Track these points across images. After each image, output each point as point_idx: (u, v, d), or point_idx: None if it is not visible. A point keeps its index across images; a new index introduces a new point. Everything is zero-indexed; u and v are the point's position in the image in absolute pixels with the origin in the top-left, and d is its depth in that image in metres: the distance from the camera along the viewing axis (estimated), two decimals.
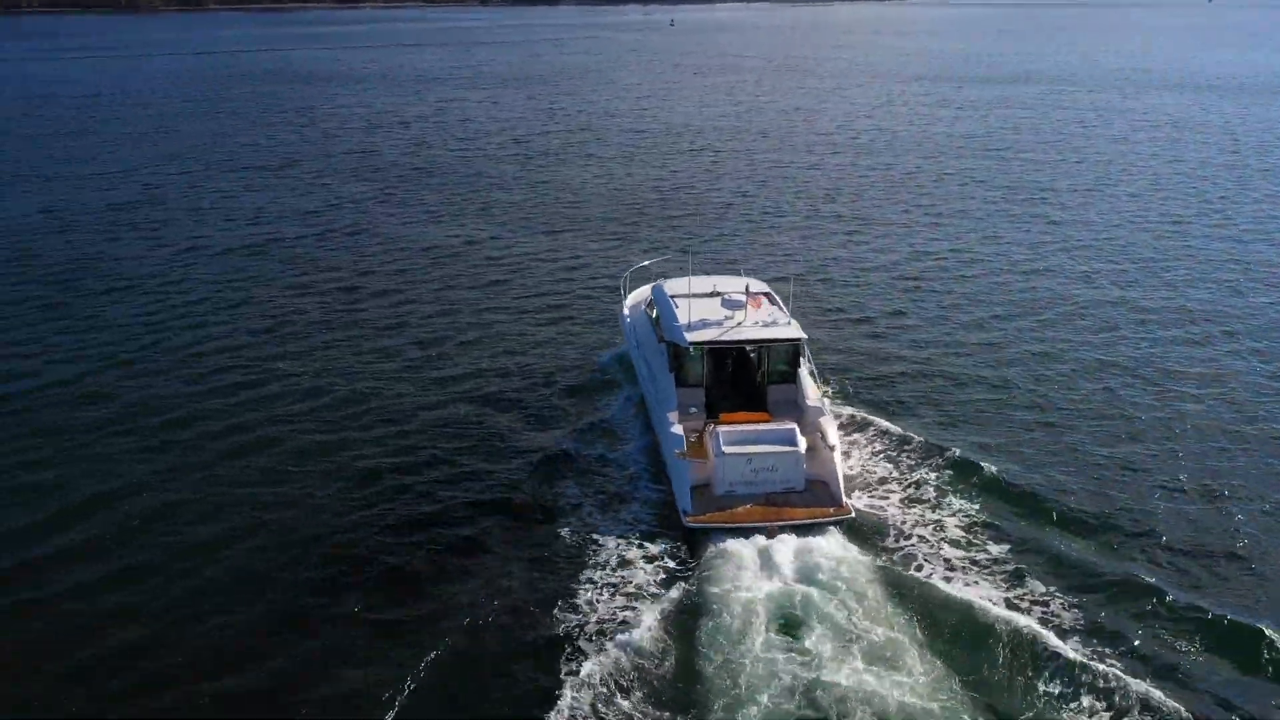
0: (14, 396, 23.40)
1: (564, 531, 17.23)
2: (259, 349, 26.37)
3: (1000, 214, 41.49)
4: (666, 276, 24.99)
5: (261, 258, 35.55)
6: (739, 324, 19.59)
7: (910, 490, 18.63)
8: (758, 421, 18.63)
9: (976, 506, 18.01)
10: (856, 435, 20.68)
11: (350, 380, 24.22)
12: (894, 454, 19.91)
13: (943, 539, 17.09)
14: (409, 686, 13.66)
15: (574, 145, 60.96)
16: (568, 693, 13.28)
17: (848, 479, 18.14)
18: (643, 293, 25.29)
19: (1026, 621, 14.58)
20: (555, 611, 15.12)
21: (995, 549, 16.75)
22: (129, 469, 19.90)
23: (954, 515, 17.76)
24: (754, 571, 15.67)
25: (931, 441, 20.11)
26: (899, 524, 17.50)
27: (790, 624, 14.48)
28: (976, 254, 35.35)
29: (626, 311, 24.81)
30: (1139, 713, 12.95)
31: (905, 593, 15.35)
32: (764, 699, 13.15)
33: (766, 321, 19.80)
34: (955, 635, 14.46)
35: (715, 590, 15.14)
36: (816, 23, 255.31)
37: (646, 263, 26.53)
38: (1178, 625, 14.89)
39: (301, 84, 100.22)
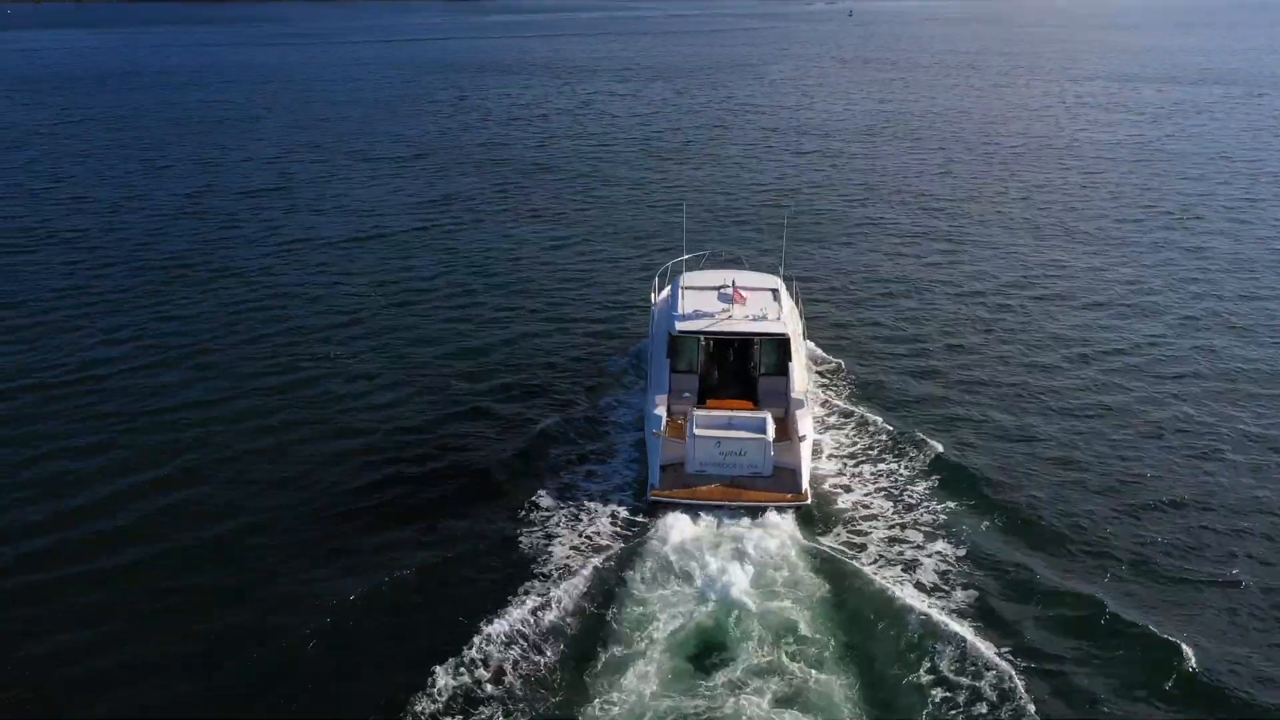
0: (80, 380, 25.32)
1: (543, 494, 18.93)
2: (324, 343, 27.55)
3: (1125, 238, 38.36)
4: (700, 270, 25.37)
5: (360, 250, 37.05)
6: (729, 317, 20.77)
7: (881, 484, 19.43)
8: (739, 409, 19.86)
9: (942, 506, 18.53)
10: (847, 429, 21.65)
11: (397, 366, 25.83)
12: (878, 449, 20.77)
13: (896, 535, 17.74)
14: (344, 614, 15.65)
15: (696, 143, 60.53)
16: (495, 626, 14.82)
17: (817, 469, 19.49)
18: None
19: (940, 618, 15.06)
20: (507, 556, 17.03)
21: (944, 549, 17.25)
22: (154, 457, 21.10)
23: (916, 512, 18.37)
24: (697, 544, 16.90)
25: (918, 439, 20.78)
26: (857, 516, 18.31)
27: (711, 594, 15.54)
28: (1072, 274, 32.88)
29: (656, 303, 25.42)
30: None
31: (838, 581, 16.05)
32: (661, 659, 14.40)
33: (756, 316, 20.87)
34: (870, 626, 15.11)
35: (658, 555, 16.62)
36: (1000, 15, 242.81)
37: (686, 257, 26.78)
38: (1109, 644, 15.00)
39: (462, 73, 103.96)
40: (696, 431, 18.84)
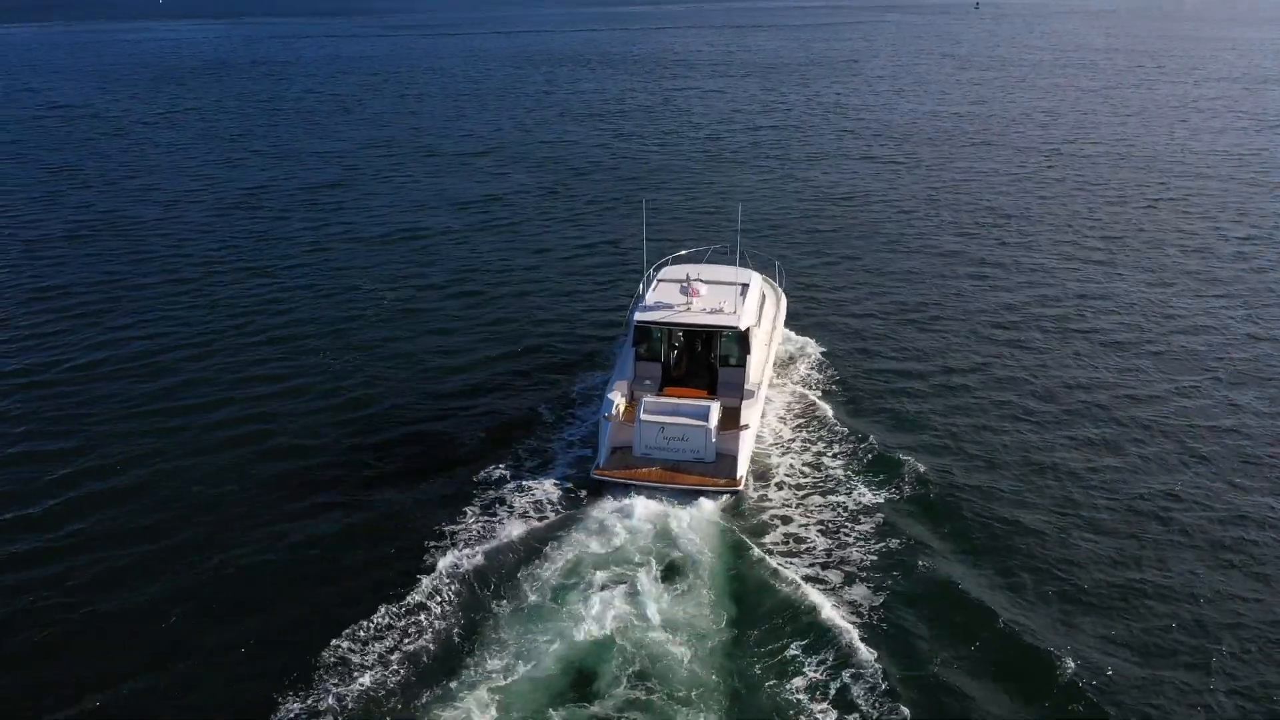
0: (86, 366, 26.82)
1: (499, 466, 20.67)
2: (339, 337, 28.88)
3: (1184, 266, 35.73)
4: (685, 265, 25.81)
5: (398, 247, 37.89)
6: (688, 309, 21.76)
7: (822, 480, 20.24)
8: (692, 397, 20.93)
9: (874, 507, 19.17)
10: (810, 425, 22.50)
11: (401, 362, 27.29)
12: (832, 446, 21.51)
13: (820, 529, 18.57)
14: (270, 563, 18.04)
15: (764, 144, 59.38)
16: (425, 581, 16.85)
17: (767, 460, 20.77)
18: None
19: (830, 615, 15.76)
20: (450, 519, 18.95)
21: (861, 548, 17.92)
22: (152, 444, 22.52)
23: (847, 511, 19.09)
24: (626, 519, 18.32)
25: (871, 441, 21.45)
26: (789, 508, 19.23)
27: (621, 564, 16.97)
28: (1111, 307, 30.80)
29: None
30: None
31: (744, 569, 17.06)
32: (558, 622, 15.74)
33: (713, 309, 21.77)
34: (764, 617, 15.97)
35: (586, 527, 18.27)
36: (1164, 9, 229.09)
37: (683, 253, 27.24)
38: (991, 653, 15.43)
39: (561, 66, 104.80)
40: (643, 417, 20.13)
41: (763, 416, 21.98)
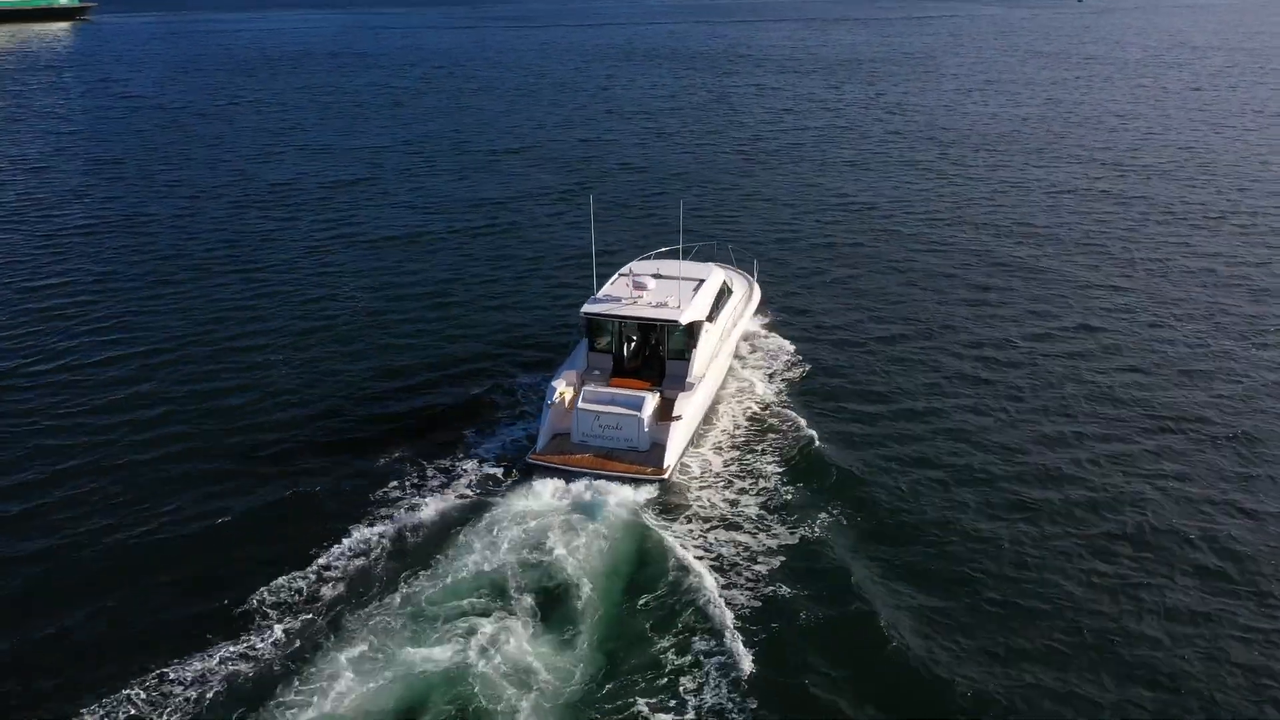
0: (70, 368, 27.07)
1: (442, 447, 21.78)
2: (318, 324, 29.22)
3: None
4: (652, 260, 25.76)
5: (394, 251, 37.51)
6: (635, 302, 22.15)
7: (753, 475, 20.59)
8: (634, 388, 21.46)
9: (797, 504, 19.49)
10: (763, 421, 22.87)
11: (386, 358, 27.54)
12: (773, 443, 21.85)
13: (734, 522, 18.99)
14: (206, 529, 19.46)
15: (806, 144, 57.27)
16: (343, 543, 18.33)
17: (701, 453, 21.34)
18: None
19: (717, 611, 16.20)
20: (386, 493, 20.13)
21: (769, 545, 18.26)
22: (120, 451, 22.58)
23: (768, 507, 19.43)
24: (551, 503, 19.17)
25: (814, 443, 21.71)
26: (712, 498, 19.77)
27: (533, 544, 17.84)
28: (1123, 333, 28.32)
29: None
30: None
31: (645, 556, 17.79)
32: (467, 593, 16.73)
33: (658, 303, 22.09)
34: (655, 608, 16.54)
35: (510, 505, 19.14)
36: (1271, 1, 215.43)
37: (662, 249, 26.52)
38: (868, 656, 15.78)
39: (626, 62, 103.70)
40: (581, 405, 21.01)
41: (709, 410, 22.67)
